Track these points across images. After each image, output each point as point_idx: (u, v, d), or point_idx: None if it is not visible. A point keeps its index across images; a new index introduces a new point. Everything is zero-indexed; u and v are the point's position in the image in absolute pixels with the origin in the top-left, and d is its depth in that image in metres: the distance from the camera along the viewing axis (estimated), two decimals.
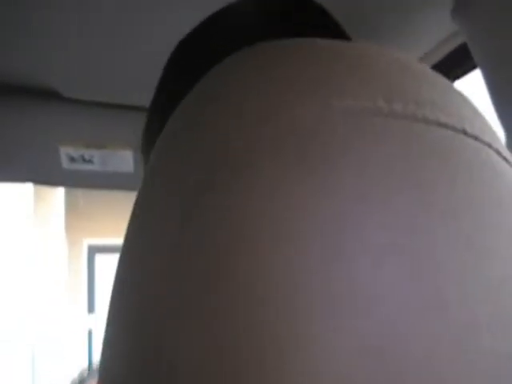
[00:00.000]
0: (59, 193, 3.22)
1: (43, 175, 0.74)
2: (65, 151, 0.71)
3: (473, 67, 0.52)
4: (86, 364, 3.39)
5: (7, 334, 2.61)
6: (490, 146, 0.14)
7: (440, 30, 0.51)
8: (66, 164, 0.72)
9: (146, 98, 0.39)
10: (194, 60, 0.29)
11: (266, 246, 0.11)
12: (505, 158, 0.14)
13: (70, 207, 3.37)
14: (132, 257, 0.14)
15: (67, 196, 3.33)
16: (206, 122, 0.14)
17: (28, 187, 2.86)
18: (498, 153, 0.14)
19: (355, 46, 0.15)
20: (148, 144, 0.32)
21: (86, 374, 3.11)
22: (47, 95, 0.66)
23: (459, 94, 0.15)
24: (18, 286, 2.76)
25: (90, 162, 0.72)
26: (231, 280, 0.11)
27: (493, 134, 0.15)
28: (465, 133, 0.14)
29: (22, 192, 2.86)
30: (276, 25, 0.27)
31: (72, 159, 0.72)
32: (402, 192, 0.12)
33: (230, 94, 0.14)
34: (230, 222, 0.11)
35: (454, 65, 0.52)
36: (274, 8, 0.29)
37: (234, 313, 0.10)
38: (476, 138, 0.14)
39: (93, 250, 3.77)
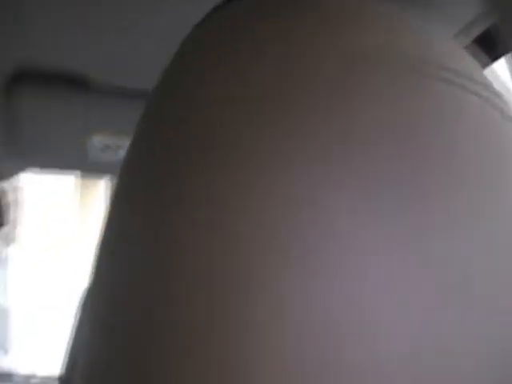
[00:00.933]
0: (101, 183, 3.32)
1: (72, 164, 0.76)
2: (95, 140, 0.72)
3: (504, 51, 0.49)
4: None
5: None
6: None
7: (470, 10, 0.49)
8: (95, 153, 0.74)
9: None
10: None
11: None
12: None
13: None
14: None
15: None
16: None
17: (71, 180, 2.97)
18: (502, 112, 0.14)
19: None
20: None
21: None
22: (76, 84, 0.67)
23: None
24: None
25: (119, 150, 0.73)
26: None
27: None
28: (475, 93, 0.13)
29: (67, 184, 2.97)
30: None
31: (101, 148, 0.73)
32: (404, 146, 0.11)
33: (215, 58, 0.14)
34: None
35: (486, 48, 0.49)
36: None
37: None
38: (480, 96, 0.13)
39: None
